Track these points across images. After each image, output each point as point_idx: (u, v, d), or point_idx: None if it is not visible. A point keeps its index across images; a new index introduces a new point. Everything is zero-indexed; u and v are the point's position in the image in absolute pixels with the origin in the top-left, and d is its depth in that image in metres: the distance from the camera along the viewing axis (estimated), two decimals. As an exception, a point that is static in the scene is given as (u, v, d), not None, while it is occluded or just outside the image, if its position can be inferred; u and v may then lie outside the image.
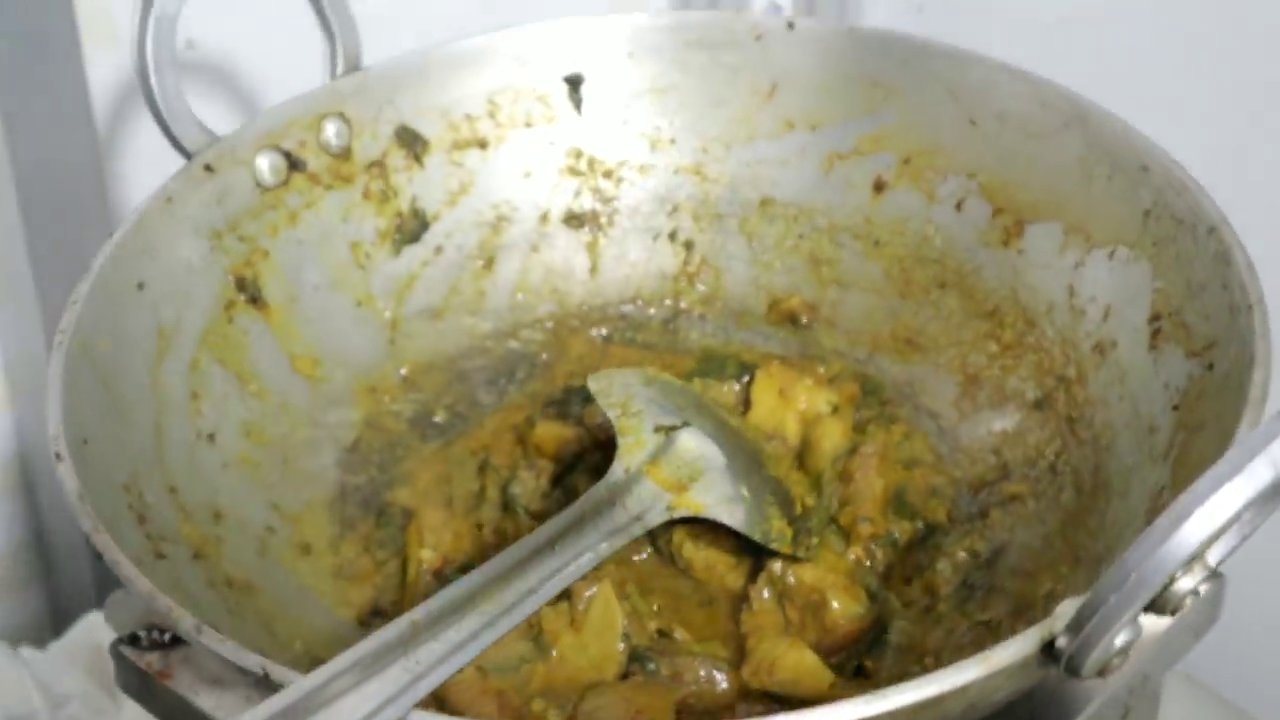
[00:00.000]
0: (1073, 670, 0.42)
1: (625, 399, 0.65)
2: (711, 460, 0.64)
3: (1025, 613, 0.59)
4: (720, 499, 0.63)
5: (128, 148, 0.92)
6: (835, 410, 0.69)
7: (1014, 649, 0.43)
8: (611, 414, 0.64)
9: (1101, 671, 0.42)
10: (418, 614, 0.49)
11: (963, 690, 0.42)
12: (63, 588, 0.98)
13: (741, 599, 0.63)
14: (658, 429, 0.64)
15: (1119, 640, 0.42)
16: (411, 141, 0.75)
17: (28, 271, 0.88)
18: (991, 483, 0.67)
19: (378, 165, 0.74)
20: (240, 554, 0.62)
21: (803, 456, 0.69)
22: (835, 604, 0.61)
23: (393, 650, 0.47)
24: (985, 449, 0.68)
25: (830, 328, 0.76)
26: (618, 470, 0.61)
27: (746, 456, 0.66)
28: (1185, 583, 0.41)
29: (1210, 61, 0.94)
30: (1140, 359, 0.62)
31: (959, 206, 0.73)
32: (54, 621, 1.00)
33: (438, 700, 0.55)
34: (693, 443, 0.64)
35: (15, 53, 0.82)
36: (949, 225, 0.73)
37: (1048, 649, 0.43)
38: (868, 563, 0.64)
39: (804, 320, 0.76)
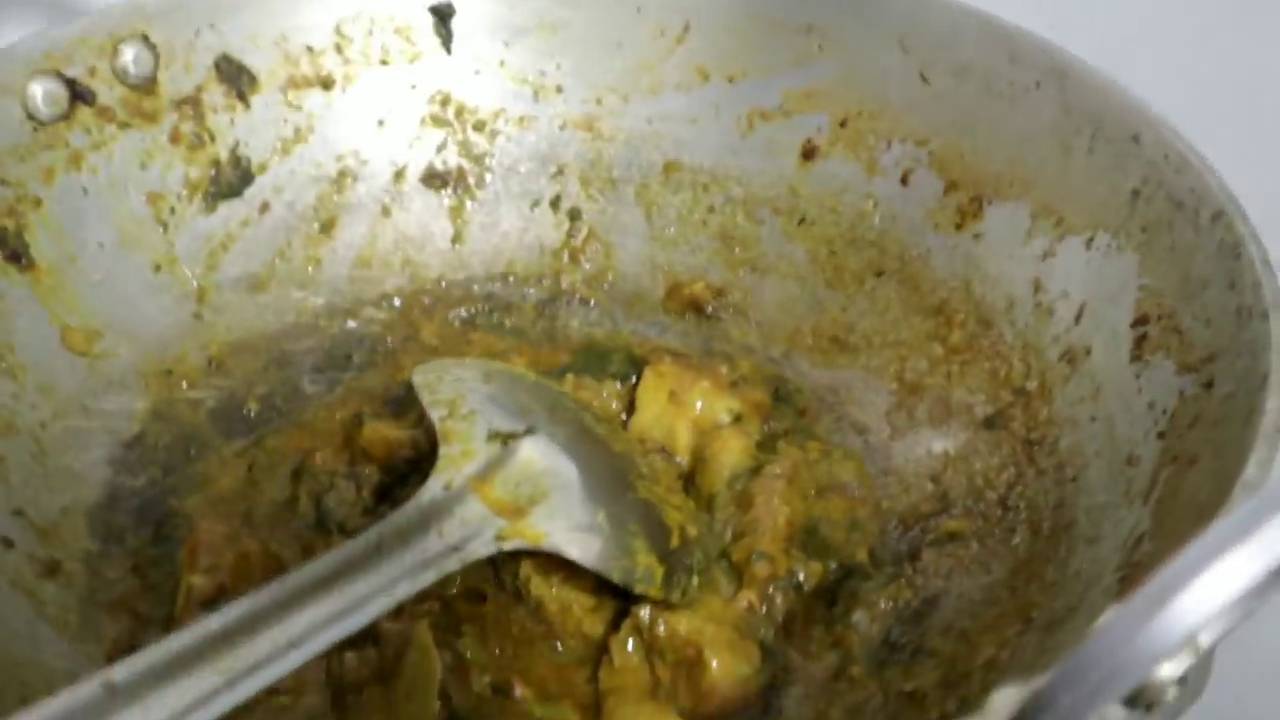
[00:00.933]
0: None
1: (455, 396, 0.56)
2: (561, 477, 0.55)
3: (957, 686, 0.51)
4: (568, 527, 0.53)
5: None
6: (737, 420, 0.62)
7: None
8: (435, 414, 0.55)
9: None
10: (117, 673, 0.41)
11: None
12: None
13: (601, 650, 0.54)
14: (493, 436, 0.55)
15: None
16: (235, 76, 0.66)
17: None
18: (927, 516, 0.59)
19: (191, 102, 0.65)
20: (-45, 575, 0.52)
21: (694, 475, 0.61)
22: (715, 662, 0.52)
23: None
24: (922, 474, 0.61)
25: (741, 319, 0.68)
26: (435, 486, 0.52)
27: (611, 474, 0.57)
28: (1168, 670, 0.34)
29: (1232, 26, 0.86)
30: (1120, 372, 0.55)
31: (904, 180, 0.65)
32: None
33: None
34: (538, 454, 0.55)
35: None
36: (891, 202, 0.66)
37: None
38: (763, 610, 0.55)
39: (709, 309, 0.69)
